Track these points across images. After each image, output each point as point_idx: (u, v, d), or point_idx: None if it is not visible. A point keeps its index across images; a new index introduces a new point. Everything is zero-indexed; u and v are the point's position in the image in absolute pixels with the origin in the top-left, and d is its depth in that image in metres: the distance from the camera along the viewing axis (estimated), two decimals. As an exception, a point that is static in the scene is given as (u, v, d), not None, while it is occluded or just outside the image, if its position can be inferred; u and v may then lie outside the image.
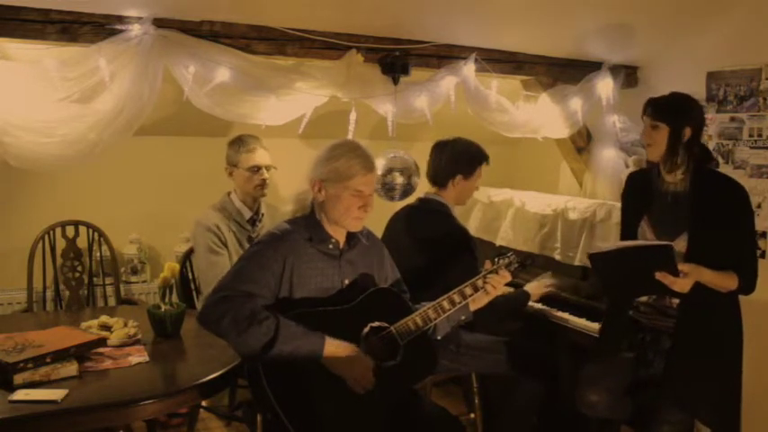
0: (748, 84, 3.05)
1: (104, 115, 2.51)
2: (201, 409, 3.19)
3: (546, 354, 2.82)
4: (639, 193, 2.41)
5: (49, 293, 3.13)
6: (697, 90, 3.14)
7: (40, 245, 3.05)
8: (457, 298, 2.14)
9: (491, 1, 2.79)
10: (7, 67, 2.46)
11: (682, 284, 2.13)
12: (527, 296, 2.90)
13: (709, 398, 2.23)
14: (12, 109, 2.42)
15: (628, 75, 3.58)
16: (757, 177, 3.02)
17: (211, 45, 2.64)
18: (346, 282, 2.12)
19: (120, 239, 3.38)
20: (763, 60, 2.99)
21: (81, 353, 2.06)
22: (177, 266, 2.51)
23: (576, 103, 3.45)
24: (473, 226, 3.70)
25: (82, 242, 3.17)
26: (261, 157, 2.87)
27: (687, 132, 2.23)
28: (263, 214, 2.96)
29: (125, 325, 2.31)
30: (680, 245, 2.24)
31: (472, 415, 2.97)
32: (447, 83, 3.12)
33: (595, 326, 2.73)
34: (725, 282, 2.18)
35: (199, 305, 2.90)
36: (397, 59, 2.97)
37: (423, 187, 2.98)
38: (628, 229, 2.44)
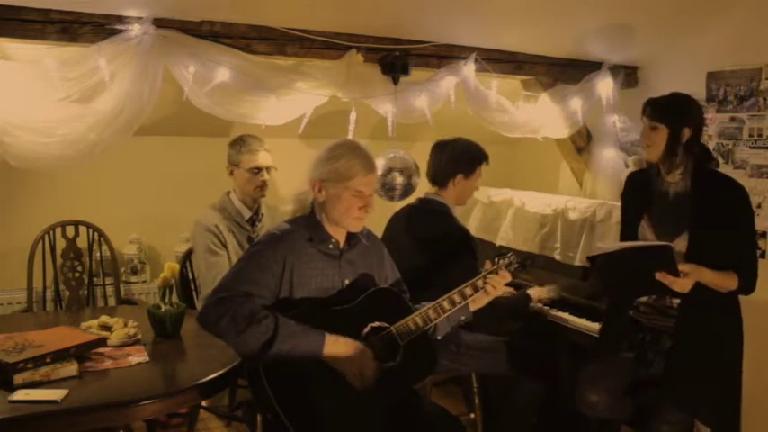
0: (748, 84, 3.05)
1: (104, 115, 2.51)
2: (201, 409, 3.19)
3: (546, 354, 2.82)
4: (639, 193, 2.41)
5: (49, 293, 3.13)
6: (697, 90, 3.14)
7: (40, 245, 3.05)
8: (457, 298, 2.14)
9: (491, 1, 2.79)
10: (7, 67, 2.46)
11: (682, 284, 2.13)
12: (528, 299, 2.90)
13: (709, 398, 2.23)
14: (12, 109, 2.42)
15: (628, 75, 3.58)
16: (757, 177, 3.02)
17: (211, 45, 2.64)
18: (346, 282, 2.12)
19: (120, 239, 3.39)
20: (763, 60, 2.99)
21: (81, 353, 2.06)
22: (177, 266, 2.51)
23: (576, 103, 3.46)
24: (473, 226, 3.70)
25: (82, 242, 3.17)
26: (263, 159, 2.87)
27: (686, 133, 2.23)
28: (262, 214, 2.96)
29: (125, 325, 2.31)
30: (680, 245, 2.24)
31: (472, 415, 2.97)
32: (447, 83, 3.12)
33: (595, 326, 2.73)
34: (725, 282, 2.18)
35: (198, 305, 2.90)
36: (397, 59, 2.97)
37: (423, 187, 2.98)
38: (628, 229, 2.44)
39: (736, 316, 2.29)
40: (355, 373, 1.97)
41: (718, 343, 2.25)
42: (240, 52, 2.70)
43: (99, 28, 2.47)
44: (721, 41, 3.13)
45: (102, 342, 2.15)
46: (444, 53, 3.14)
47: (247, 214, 2.91)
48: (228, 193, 2.93)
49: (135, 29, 2.47)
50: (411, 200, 2.99)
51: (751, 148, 3.06)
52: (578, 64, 3.49)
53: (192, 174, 3.47)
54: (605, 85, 3.47)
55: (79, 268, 3.17)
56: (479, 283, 2.17)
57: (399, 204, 3.02)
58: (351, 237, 2.15)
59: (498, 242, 3.54)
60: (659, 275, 2.12)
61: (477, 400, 2.89)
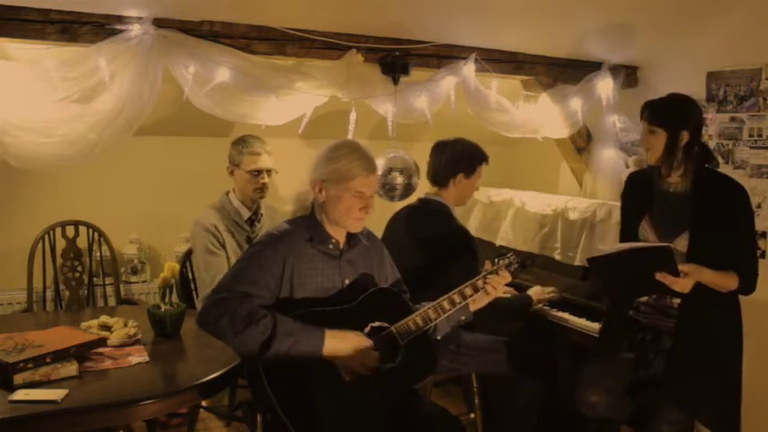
0: (748, 84, 3.05)
1: (104, 115, 2.51)
2: (201, 409, 3.19)
3: (546, 354, 2.82)
4: (640, 193, 2.41)
5: (49, 293, 3.13)
6: (697, 90, 3.15)
7: (40, 245, 3.05)
8: (457, 298, 2.14)
9: (491, 1, 2.79)
10: (7, 67, 2.46)
11: (682, 284, 2.13)
12: (529, 300, 2.90)
13: (709, 398, 2.23)
14: (12, 109, 2.42)
15: (628, 75, 3.58)
16: (757, 177, 3.02)
17: (211, 45, 2.64)
18: (346, 282, 2.12)
19: (120, 239, 3.38)
20: (763, 60, 2.99)
21: (81, 353, 2.06)
22: (177, 266, 2.51)
23: (576, 103, 3.46)
24: (473, 226, 3.70)
25: (82, 242, 3.17)
26: (264, 161, 2.86)
27: (685, 136, 2.23)
28: (261, 214, 2.96)
29: (125, 325, 2.31)
30: (681, 244, 2.24)
31: (472, 415, 2.97)
32: (447, 83, 3.12)
33: (595, 326, 2.73)
34: (725, 282, 2.18)
35: (198, 305, 2.90)
36: (397, 59, 2.97)
37: (423, 187, 2.98)
38: (628, 229, 2.44)
39: (737, 316, 2.29)
40: (356, 367, 1.97)
41: (719, 343, 2.25)
42: (240, 52, 2.70)
43: (99, 28, 2.47)
44: (721, 41, 3.13)
45: (102, 342, 2.15)
46: (444, 53, 3.14)
47: (246, 214, 2.91)
48: (228, 193, 2.93)
49: (135, 29, 2.47)
50: (411, 200, 2.99)
51: (751, 148, 3.06)
52: (578, 64, 3.49)
53: (191, 174, 3.47)
54: (605, 85, 3.47)
55: (79, 268, 3.17)
56: (479, 283, 2.17)
57: (399, 204, 3.02)
58: (351, 237, 2.15)
59: (498, 242, 3.54)
60: (659, 276, 2.12)
61: (477, 400, 2.89)
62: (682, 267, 2.12)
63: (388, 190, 3.15)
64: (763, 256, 2.95)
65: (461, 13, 2.85)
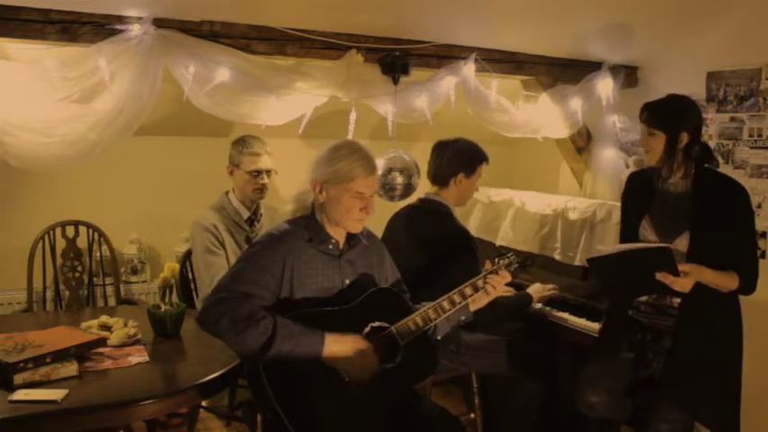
0: (748, 84, 3.05)
1: (104, 115, 2.51)
2: (201, 409, 3.19)
3: (546, 354, 2.82)
4: (640, 193, 2.41)
5: (49, 293, 3.13)
6: (697, 90, 3.15)
7: (40, 245, 3.05)
8: (457, 298, 2.14)
9: (491, 1, 2.79)
10: (7, 67, 2.46)
11: (682, 284, 2.13)
12: (529, 298, 2.90)
13: (708, 398, 2.23)
14: (12, 109, 2.42)
15: (628, 75, 3.58)
16: (757, 177, 3.02)
17: (211, 45, 2.64)
18: (347, 282, 2.12)
19: (120, 239, 3.39)
20: (763, 60, 2.99)
21: (81, 353, 2.06)
22: (177, 266, 2.51)
23: (576, 103, 3.46)
24: (473, 226, 3.70)
25: (82, 242, 3.17)
26: (263, 162, 2.86)
27: (684, 138, 2.23)
28: (261, 214, 2.96)
29: (125, 325, 2.31)
30: (681, 244, 2.25)
31: (472, 415, 2.97)
32: (447, 83, 3.12)
33: (595, 326, 2.73)
34: (726, 282, 2.19)
35: (198, 305, 2.90)
36: (397, 59, 2.97)
37: (423, 187, 2.98)
38: (628, 230, 2.44)
39: (737, 316, 2.29)
40: (356, 371, 1.97)
41: (719, 343, 2.25)
42: (240, 52, 2.70)
43: (99, 28, 2.47)
44: (721, 41, 3.13)
45: (102, 342, 2.15)
46: (444, 53, 3.14)
47: (246, 214, 2.91)
48: (227, 193, 2.93)
49: (135, 29, 2.47)
50: (411, 200, 2.99)
51: (751, 148, 3.06)
52: (578, 64, 3.49)
53: (191, 174, 3.47)
54: (605, 85, 3.47)
55: (79, 268, 3.17)
56: (479, 283, 2.17)
57: (399, 204, 3.02)
58: (351, 237, 2.15)
59: (498, 242, 3.54)
60: (660, 275, 2.12)
61: (477, 400, 2.89)
62: (682, 267, 2.12)
63: (388, 190, 3.15)
64: (763, 256, 2.95)
65: (461, 13, 2.85)
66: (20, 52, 2.57)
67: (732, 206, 2.24)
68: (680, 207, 2.28)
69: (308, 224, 2.10)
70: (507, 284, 2.28)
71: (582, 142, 3.77)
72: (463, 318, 2.24)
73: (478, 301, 2.21)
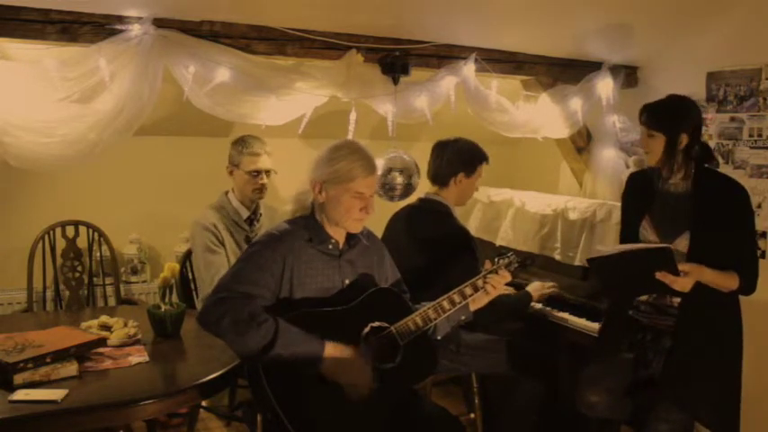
0: (748, 84, 3.05)
1: (104, 115, 2.51)
2: (201, 409, 3.19)
3: (546, 354, 2.82)
4: (640, 193, 2.41)
5: (49, 293, 3.13)
6: (697, 90, 3.15)
7: (40, 245, 3.05)
8: (457, 298, 2.14)
9: (491, 1, 2.79)
10: (7, 67, 2.46)
11: (682, 283, 2.13)
12: (528, 297, 2.90)
13: (708, 398, 2.23)
14: (12, 109, 2.42)
15: (628, 75, 3.58)
16: (757, 177, 3.02)
17: (211, 45, 2.64)
18: (346, 282, 2.12)
19: (120, 239, 3.39)
20: (763, 60, 2.99)
21: (81, 353, 2.06)
22: (177, 266, 2.51)
23: (576, 103, 3.46)
24: (473, 226, 3.70)
25: (82, 242, 3.17)
26: (263, 162, 2.87)
27: (684, 139, 2.23)
28: (260, 214, 2.96)
29: (125, 325, 2.31)
30: (681, 244, 2.25)
31: (472, 415, 2.97)
32: (447, 83, 3.12)
33: (595, 326, 2.73)
34: (726, 281, 2.19)
35: (198, 305, 2.90)
36: (397, 59, 2.97)
37: (423, 187, 2.98)
38: (628, 230, 2.44)
39: (737, 316, 2.29)
40: (349, 384, 1.96)
41: (719, 343, 2.25)
42: (240, 52, 2.70)
43: (99, 28, 2.47)
44: (721, 41, 3.13)
45: (102, 342, 2.15)
46: (444, 53, 3.14)
47: (245, 214, 2.91)
48: (227, 193, 2.93)
49: (135, 29, 2.47)
50: (411, 200, 2.99)
51: (751, 148, 3.06)
52: (578, 64, 3.49)
53: (192, 174, 3.47)
54: (605, 85, 3.47)
55: (79, 268, 3.17)
56: (479, 282, 2.17)
57: (399, 204, 3.02)
58: (351, 237, 2.15)
59: (498, 242, 3.54)
60: (659, 275, 2.12)
61: (477, 400, 2.89)
62: (682, 267, 2.12)
63: (387, 190, 3.15)
64: (763, 256, 2.95)
65: (461, 13, 2.85)
66: (20, 52, 2.57)
67: (732, 206, 2.24)
68: (680, 207, 2.28)
69: (307, 224, 2.10)
70: (507, 284, 2.28)
71: (582, 142, 3.77)
72: (463, 317, 2.24)
73: (478, 301, 2.21)
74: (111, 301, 3.25)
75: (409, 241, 2.75)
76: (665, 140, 2.24)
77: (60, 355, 1.99)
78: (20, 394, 1.82)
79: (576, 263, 3.10)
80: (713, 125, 3.19)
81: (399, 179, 3.15)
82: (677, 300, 2.27)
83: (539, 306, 2.99)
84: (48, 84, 2.42)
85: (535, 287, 2.95)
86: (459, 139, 2.81)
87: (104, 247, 3.21)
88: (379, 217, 2.50)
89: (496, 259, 2.23)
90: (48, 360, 1.96)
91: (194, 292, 3.03)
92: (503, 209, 3.59)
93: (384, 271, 2.26)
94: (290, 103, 2.87)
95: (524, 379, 2.72)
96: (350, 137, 2.97)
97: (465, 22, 2.94)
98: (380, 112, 3.10)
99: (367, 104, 3.08)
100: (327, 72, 2.90)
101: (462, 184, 2.78)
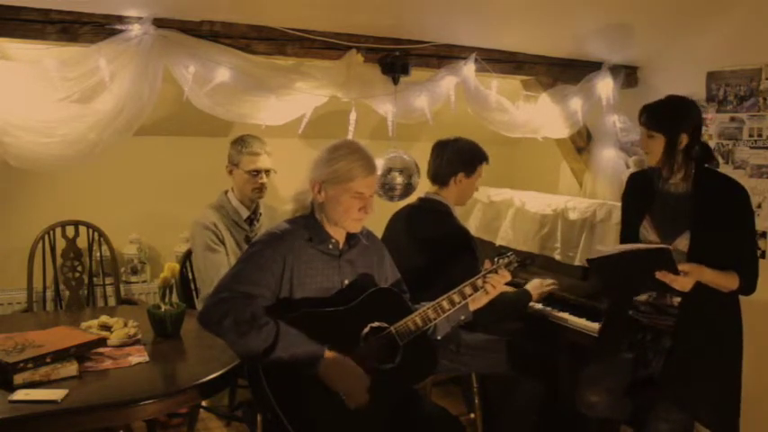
0: (748, 84, 3.05)
1: (104, 115, 2.51)
2: (201, 409, 3.19)
3: (546, 354, 2.82)
4: (641, 193, 2.42)
5: (49, 293, 3.13)
6: (697, 90, 3.15)
7: (40, 245, 3.05)
8: (457, 298, 2.14)
9: (491, 1, 2.79)
10: (7, 67, 2.46)
11: (682, 283, 2.13)
12: (528, 296, 2.90)
13: (708, 398, 2.23)
14: (12, 109, 2.42)
15: (628, 75, 3.58)
16: (757, 177, 3.02)
17: (211, 45, 2.64)
18: (346, 282, 2.12)
19: (120, 239, 3.39)
20: (763, 60, 2.99)
21: (81, 353, 2.06)
22: (177, 266, 2.51)
23: (576, 103, 3.46)
24: (473, 226, 3.70)
25: (82, 242, 3.17)
26: (262, 162, 2.86)
27: (684, 139, 2.24)
28: (260, 214, 2.96)
29: (125, 325, 2.31)
30: (681, 244, 2.25)
31: (472, 415, 2.97)
32: (447, 83, 3.12)
33: (595, 326, 2.73)
34: (726, 281, 2.19)
35: (199, 305, 2.90)
36: (397, 59, 2.97)
37: (423, 187, 2.98)
38: (628, 230, 2.44)
39: (737, 316, 2.29)
40: (346, 393, 1.96)
41: (719, 343, 2.25)
42: (240, 52, 2.70)
43: (99, 28, 2.47)
44: (721, 41, 3.13)
45: (102, 342, 2.15)
46: (444, 53, 3.14)
47: (245, 213, 2.91)
48: (226, 192, 2.93)
49: (135, 29, 2.47)
50: (411, 200, 2.99)
51: (751, 148, 3.06)
52: (578, 64, 3.49)
53: (191, 174, 3.47)
54: (605, 85, 3.47)
55: (79, 268, 3.17)
56: (479, 282, 2.17)
57: (399, 204, 3.02)
58: (350, 237, 2.15)
59: (498, 242, 3.54)
60: (659, 274, 2.13)
61: (477, 400, 2.89)
62: (682, 267, 2.13)
63: (387, 190, 3.15)
64: (763, 256, 2.95)
65: (461, 13, 2.85)
66: (20, 52, 2.57)
67: (732, 206, 2.24)
68: (680, 207, 2.28)
69: (307, 224, 2.10)
70: (507, 285, 2.28)
71: (582, 142, 3.77)
72: (463, 317, 2.24)
73: (478, 301, 2.21)
74: (111, 301, 3.25)
75: (409, 241, 2.75)
76: (664, 141, 2.24)
77: (60, 355, 1.99)
78: (20, 394, 1.82)
79: (576, 263, 3.10)
80: (713, 125, 3.19)
81: (399, 179, 3.15)
82: (677, 300, 2.27)
83: (539, 306, 2.99)
84: (48, 84, 2.42)
85: (534, 285, 2.95)
86: (459, 139, 2.81)
87: (104, 247, 3.21)
88: (379, 217, 2.50)
89: (496, 259, 2.23)
90: (48, 360, 1.95)
91: (194, 292, 3.03)
92: (503, 209, 3.59)
93: (384, 271, 2.26)
94: (290, 103, 2.87)
95: (524, 379, 2.72)
96: (350, 137, 2.97)
97: (465, 22, 2.94)
98: (380, 112, 3.10)
99: (367, 104, 3.08)
100: (327, 72, 2.90)
101: (462, 183, 2.78)
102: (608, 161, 3.67)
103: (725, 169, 3.08)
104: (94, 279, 3.21)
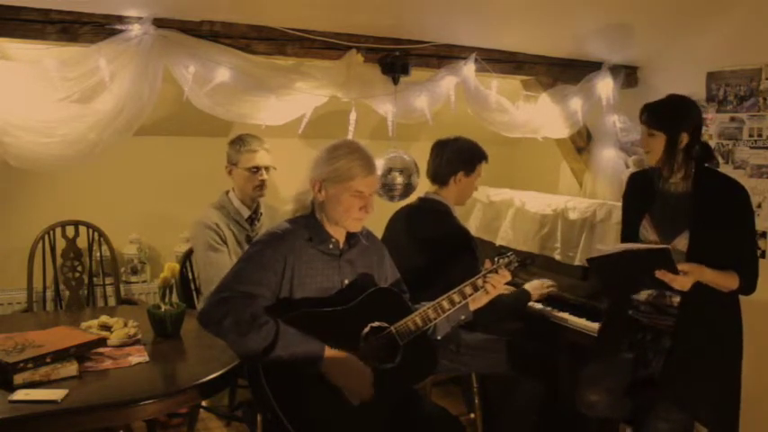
0: (748, 84, 3.05)
1: (104, 115, 2.51)
2: (201, 409, 3.19)
3: (546, 354, 2.82)
4: (641, 193, 2.42)
5: (49, 293, 3.13)
6: (697, 90, 3.15)
7: (40, 245, 3.05)
8: (457, 298, 2.14)
9: (491, 1, 2.79)
10: (7, 67, 2.46)
11: (682, 282, 2.14)
12: (527, 295, 2.90)
13: (708, 398, 2.23)
14: (12, 109, 2.42)
15: (628, 75, 3.58)
16: (757, 177, 3.02)
17: (211, 45, 2.64)
18: (346, 282, 2.12)
19: (120, 239, 3.39)
20: (763, 60, 2.99)
21: (81, 353, 2.06)
22: (177, 266, 2.51)
23: (576, 103, 3.46)
24: (473, 226, 3.70)
25: (82, 242, 3.17)
26: (261, 158, 2.86)
27: (684, 138, 2.24)
28: (261, 214, 2.96)
29: (125, 325, 2.31)
30: (681, 244, 2.25)
31: (472, 415, 2.97)
32: (447, 83, 3.12)
33: (595, 326, 2.73)
34: (726, 281, 2.19)
35: (199, 305, 2.90)
36: (397, 59, 2.97)
37: (423, 187, 2.98)
38: (629, 230, 2.44)
39: (737, 316, 2.29)
40: (351, 389, 1.96)
41: (718, 343, 2.25)
42: (240, 52, 2.70)
43: (99, 28, 2.47)
44: (721, 41, 3.13)
45: (102, 342, 2.15)
46: (444, 53, 3.14)
47: (246, 213, 2.91)
48: (227, 192, 2.93)
49: (135, 29, 2.47)
50: (411, 199, 2.99)
51: (751, 148, 3.06)
52: (578, 64, 3.49)
53: (191, 174, 3.47)
54: (605, 85, 3.47)
55: (79, 268, 3.17)
56: (479, 282, 2.17)
57: (399, 204, 3.02)
58: (350, 236, 2.15)
59: (498, 242, 3.54)
60: (659, 274, 2.13)
61: (477, 400, 2.89)
62: (682, 267, 2.13)
63: (387, 190, 3.16)
64: (763, 255, 2.95)
65: (461, 13, 2.85)
66: (20, 52, 2.57)
67: (732, 206, 2.24)
68: (680, 206, 2.28)
69: (308, 223, 2.10)
70: (507, 285, 2.28)
71: (582, 142, 3.77)
72: (463, 317, 2.24)
73: (478, 301, 2.22)
74: (111, 301, 3.25)
75: (409, 241, 2.75)
76: (665, 139, 2.24)
77: (60, 355, 1.99)
78: (20, 394, 1.82)
79: (576, 263, 3.10)
80: (713, 125, 3.19)
81: (399, 179, 3.15)
82: (677, 300, 2.27)
83: (539, 306, 2.99)
84: (48, 84, 2.42)
85: (534, 285, 2.95)
86: (458, 138, 2.82)
87: (104, 247, 3.21)
88: (379, 217, 2.51)
89: (496, 259, 2.23)
90: (48, 360, 1.95)
91: (194, 292, 3.03)
92: (503, 209, 3.59)
93: (384, 271, 2.26)
94: (290, 103, 2.87)
95: (524, 379, 2.72)
96: (350, 137, 2.97)
97: (465, 22, 2.94)
98: (380, 112, 3.10)
99: (367, 104, 3.08)
100: (327, 72, 2.90)
101: (462, 183, 2.78)
102: (608, 161, 3.67)
103: (725, 169, 3.08)
104: (94, 279, 3.21)
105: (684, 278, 2.13)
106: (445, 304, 2.13)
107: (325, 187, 2.05)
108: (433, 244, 2.69)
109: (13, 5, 2.34)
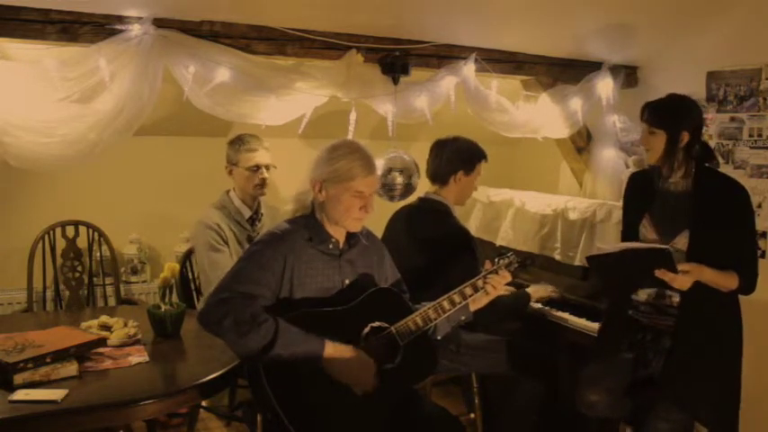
0: (748, 84, 3.05)
1: (104, 115, 2.51)
2: (201, 409, 3.19)
3: (546, 354, 2.82)
4: (641, 192, 2.42)
5: (49, 293, 3.13)
6: (697, 90, 3.15)
7: (40, 245, 3.05)
8: (457, 298, 2.14)
9: (491, 1, 2.79)
10: (7, 67, 2.46)
11: (681, 281, 2.14)
12: (527, 297, 2.90)
13: (708, 398, 2.23)
14: (12, 109, 2.42)
15: (628, 75, 3.58)
16: (757, 177, 3.02)
17: (211, 45, 2.64)
18: (346, 282, 2.12)
19: (120, 239, 3.39)
20: (763, 60, 2.99)
21: (81, 353, 2.06)
22: (177, 266, 2.51)
23: (576, 103, 3.46)
24: (473, 226, 3.70)
25: (82, 242, 3.17)
26: (261, 157, 2.86)
27: (685, 137, 2.24)
28: (262, 213, 2.96)
29: (125, 325, 2.31)
30: (681, 243, 2.25)
31: (472, 415, 2.97)
32: (447, 83, 3.12)
33: (595, 326, 2.73)
34: (726, 281, 2.19)
35: (200, 305, 2.90)
36: (397, 59, 2.97)
37: (423, 187, 2.98)
38: (629, 229, 2.44)
39: (737, 316, 2.29)
40: (355, 382, 1.97)
41: (719, 343, 2.25)
42: (240, 52, 2.70)
43: (99, 28, 2.47)
44: (721, 41, 3.13)
45: (102, 342, 2.15)
46: (444, 53, 3.14)
47: (247, 213, 2.91)
48: (228, 192, 2.93)
49: (135, 29, 2.47)
50: (411, 199, 2.99)
51: (751, 148, 3.06)
52: (578, 64, 3.49)
53: (192, 174, 3.47)
54: (605, 85, 3.47)
55: (79, 268, 3.17)
56: (479, 282, 2.17)
57: (399, 204, 3.02)
58: (351, 236, 2.15)
59: (498, 242, 3.54)
60: (659, 273, 2.13)
61: (477, 400, 2.89)
62: (682, 267, 2.13)
63: (387, 190, 3.16)
64: (763, 255, 2.95)
65: (461, 13, 2.85)
66: (20, 52, 2.57)
67: (732, 206, 2.24)
68: (680, 206, 2.28)
69: (308, 223, 2.10)
70: (507, 285, 2.28)
71: (582, 142, 3.77)
72: (463, 318, 2.24)
73: (478, 301, 2.21)
74: (111, 301, 3.25)
75: (409, 241, 2.75)
76: (666, 138, 2.24)
77: (60, 355, 1.99)
78: (20, 394, 1.82)
79: (576, 263, 3.10)
80: (713, 125, 3.19)
81: (399, 179, 3.15)
82: (677, 300, 2.27)
83: (538, 306, 2.99)
84: (48, 84, 2.42)
85: (535, 288, 2.96)
86: (458, 138, 2.82)
87: (104, 247, 3.21)
88: (379, 217, 2.51)
89: (496, 259, 2.23)
90: (48, 360, 1.96)
91: (194, 292, 3.03)
92: (503, 209, 3.59)
93: (384, 271, 2.26)
94: (290, 103, 2.87)
95: (524, 379, 2.72)
96: (350, 137, 2.97)
97: (465, 22, 2.94)
98: (380, 112, 3.10)
99: (367, 104, 3.08)
100: (327, 72, 2.90)
101: (462, 182, 2.78)
102: (608, 161, 3.67)
103: (725, 169, 3.08)
104: (94, 279, 3.21)
105: (684, 277, 2.13)
106: (446, 305, 2.13)
107: (326, 187, 2.05)
108: (433, 244, 2.69)
109: (13, 5, 2.34)
